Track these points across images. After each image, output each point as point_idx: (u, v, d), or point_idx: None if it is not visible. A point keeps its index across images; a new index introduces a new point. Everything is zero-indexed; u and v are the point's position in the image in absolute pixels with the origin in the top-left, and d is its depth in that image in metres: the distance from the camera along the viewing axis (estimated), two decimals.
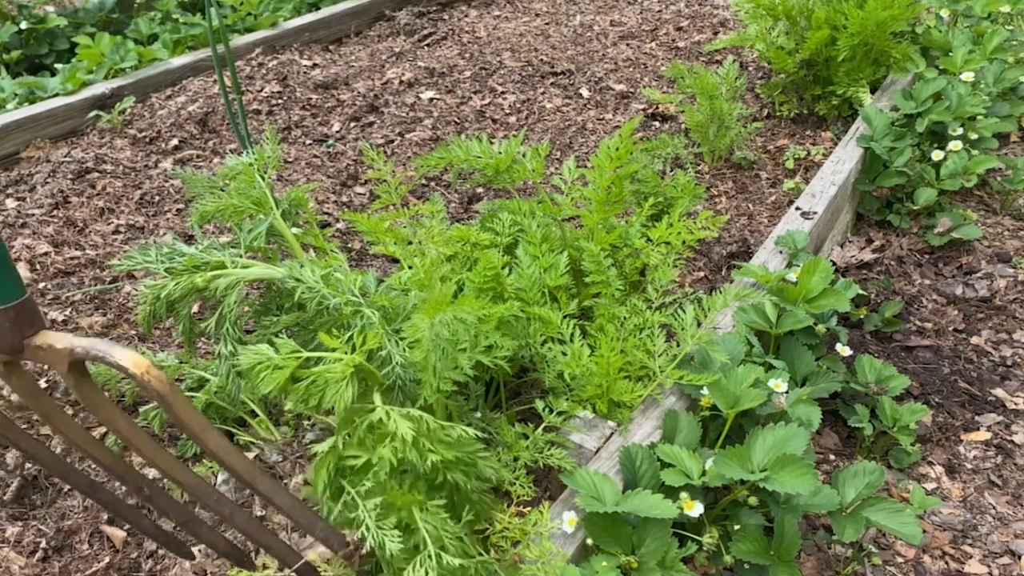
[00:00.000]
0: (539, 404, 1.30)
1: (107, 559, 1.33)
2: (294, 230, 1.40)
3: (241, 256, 1.21)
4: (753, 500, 1.25)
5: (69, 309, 1.83)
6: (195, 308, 1.80)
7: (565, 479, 1.17)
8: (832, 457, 1.61)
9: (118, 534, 1.36)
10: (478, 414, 1.33)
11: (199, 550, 1.31)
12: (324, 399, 0.96)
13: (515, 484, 1.22)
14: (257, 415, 1.50)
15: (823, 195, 2.04)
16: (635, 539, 1.13)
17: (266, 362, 0.98)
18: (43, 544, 1.34)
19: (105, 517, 1.40)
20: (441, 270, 1.23)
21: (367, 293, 1.15)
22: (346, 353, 1.00)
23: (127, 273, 1.96)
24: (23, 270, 1.94)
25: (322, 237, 1.49)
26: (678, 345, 1.39)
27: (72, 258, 2.01)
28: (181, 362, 1.57)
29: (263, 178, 1.38)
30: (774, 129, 2.71)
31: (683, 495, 1.17)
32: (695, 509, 1.16)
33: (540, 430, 1.27)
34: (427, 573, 0.96)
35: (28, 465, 1.46)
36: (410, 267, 1.31)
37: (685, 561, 1.16)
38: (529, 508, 1.17)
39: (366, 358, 1.05)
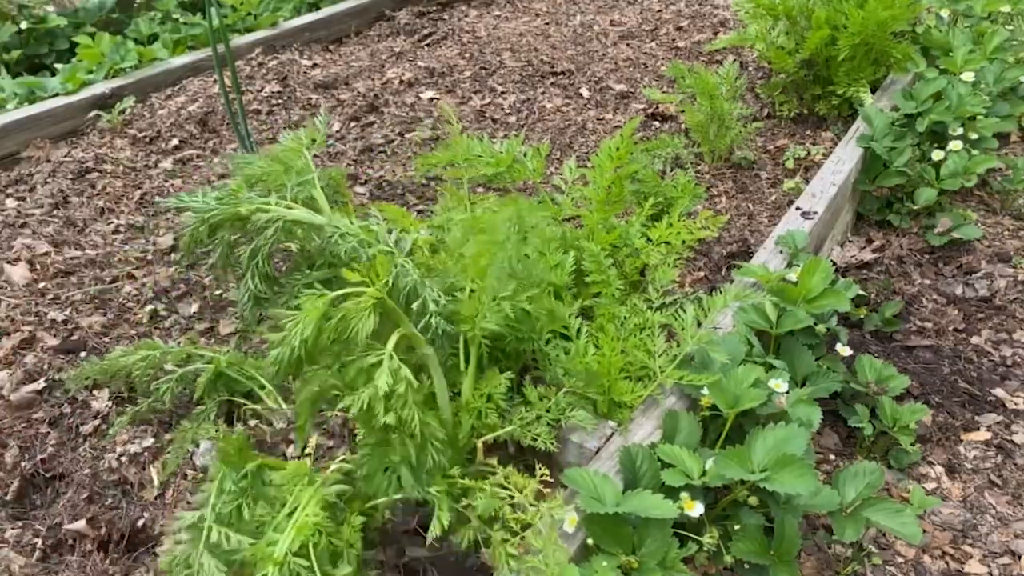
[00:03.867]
0: (559, 370, 1.32)
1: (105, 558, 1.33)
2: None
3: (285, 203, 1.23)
4: (753, 500, 1.25)
5: (69, 309, 1.83)
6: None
7: (566, 480, 1.17)
8: (832, 457, 1.61)
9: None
10: (502, 377, 1.33)
11: None
12: (352, 332, 0.99)
13: (537, 440, 1.24)
14: (265, 387, 1.51)
15: (823, 195, 2.04)
16: (635, 539, 1.13)
17: (294, 318, 1.01)
18: (40, 544, 1.34)
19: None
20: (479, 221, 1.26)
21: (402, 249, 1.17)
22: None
23: (127, 273, 1.96)
24: (23, 270, 1.94)
25: (355, 214, 1.51)
26: (678, 345, 1.39)
27: (72, 258, 2.01)
28: (188, 356, 1.57)
29: (309, 152, 1.41)
30: (774, 129, 2.71)
31: (683, 495, 1.17)
32: (695, 509, 1.16)
33: (561, 393, 1.30)
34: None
35: (25, 464, 1.46)
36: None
37: (685, 561, 1.16)
38: (549, 490, 1.18)
39: (404, 303, 1.05)
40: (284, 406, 1.48)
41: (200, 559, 0.97)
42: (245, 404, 1.51)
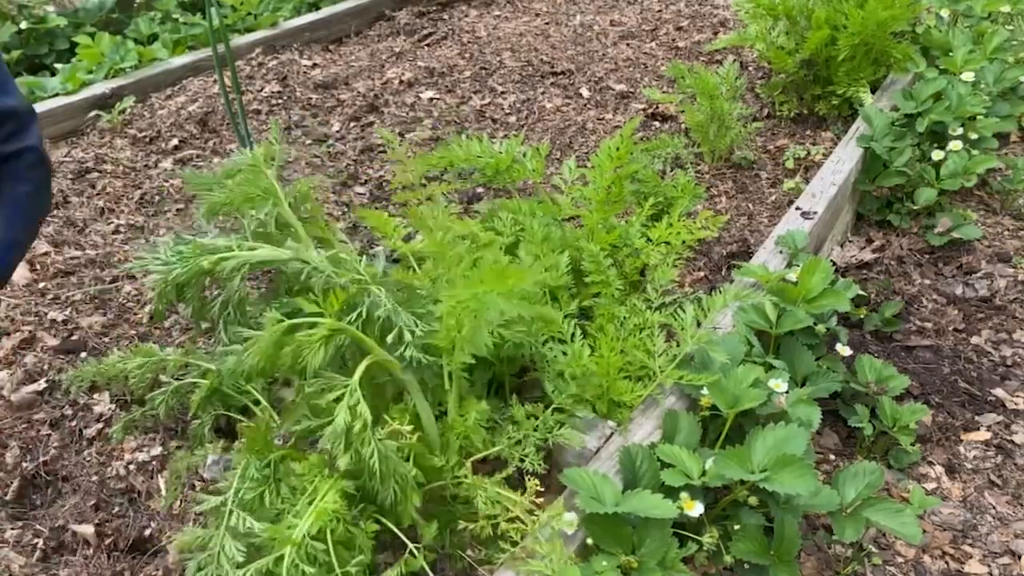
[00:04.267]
0: (548, 386, 1.31)
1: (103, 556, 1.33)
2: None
3: (247, 241, 1.22)
4: (753, 500, 1.25)
5: (69, 309, 1.84)
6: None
7: (565, 480, 1.17)
8: (832, 457, 1.61)
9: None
10: (484, 404, 1.33)
11: None
12: (305, 362, 1.01)
13: (524, 460, 1.22)
14: (260, 402, 1.50)
15: (823, 195, 2.04)
16: (635, 539, 1.13)
17: (253, 339, 1.02)
18: (40, 544, 1.34)
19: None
20: (454, 248, 1.25)
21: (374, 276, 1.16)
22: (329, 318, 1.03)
23: (127, 273, 1.96)
24: (23, 270, 1.94)
25: (327, 228, 1.49)
26: (678, 345, 1.39)
27: (72, 258, 2.01)
28: (186, 365, 1.57)
29: (269, 170, 1.40)
30: (774, 129, 2.71)
31: (683, 495, 1.17)
32: (695, 509, 1.16)
33: (549, 411, 1.28)
34: None
35: (26, 465, 1.46)
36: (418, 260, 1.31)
37: (685, 561, 1.16)
38: (542, 499, 1.18)
39: (379, 334, 1.06)
40: (278, 422, 1.48)
41: (222, 541, 0.98)
42: (240, 420, 1.51)
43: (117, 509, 1.41)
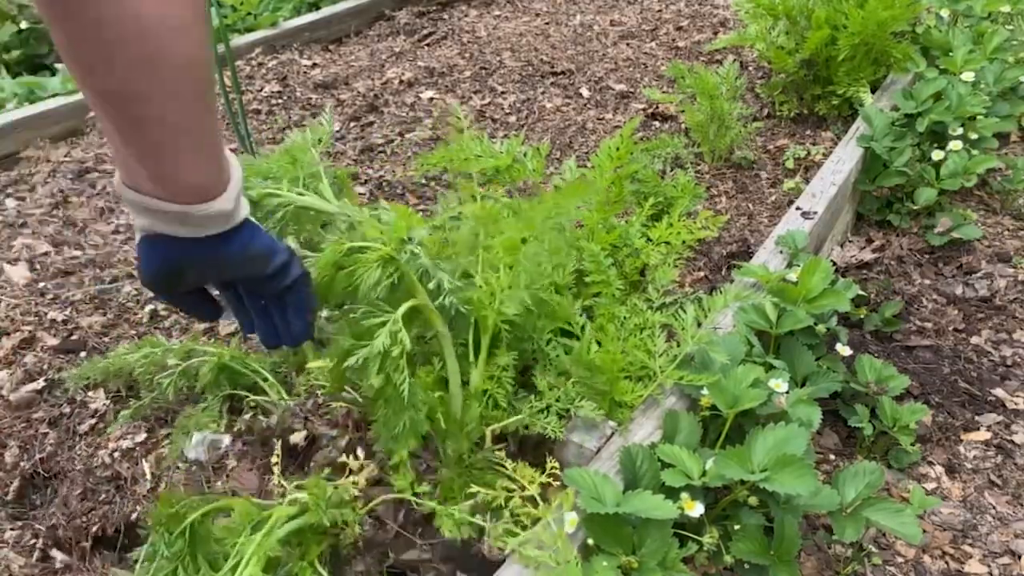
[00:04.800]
0: (565, 360, 1.32)
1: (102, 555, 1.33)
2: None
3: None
4: (753, 500, 1.25)
5: (69, 309, 1.84)
6: None
7: (567, 480, 1.17)
8: (832, 457, 1.61)
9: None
10: (509, 358, 1.33)
11: None
12: (358, 280, 1.01)
13: (547, 428, 1.24)
14: (268, 379, 1.51)
15: (823, 195, 2.04)
16: (635, 539, 1.13)
17: (313, 258, 1.03)
18: (39, 544, 1.34)
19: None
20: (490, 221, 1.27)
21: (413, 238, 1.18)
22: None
23: (127, 273, 1.96)
24: (23, 270, 1.94)
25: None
26: (679, 345, 1.39)
27: (72, 258, 2.01)
28: (189, 352, 1.57)
29: (316, 150, 1.43)
30: (774, 129, 2.71)
31: (683, 495, 1.17)
32: (695, 509, 1.16)
33: (570, 383, 1.29)
34: None
35: (24, 464, 1.46)
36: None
37: (685, 561, 1.16)
38: (557, 483, 1.19)
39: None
40: (287, 398, 1.48)
41: None
42: (247, 396, 1.51)
43: (103, 496, 1.42)
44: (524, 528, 1.12)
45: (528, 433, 1.29)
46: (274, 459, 1.18)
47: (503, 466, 1.19)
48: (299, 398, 1.48)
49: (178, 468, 1.44)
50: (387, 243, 1.05)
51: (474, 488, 1.16)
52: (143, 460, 1.47)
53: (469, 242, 1.26)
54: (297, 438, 1.34)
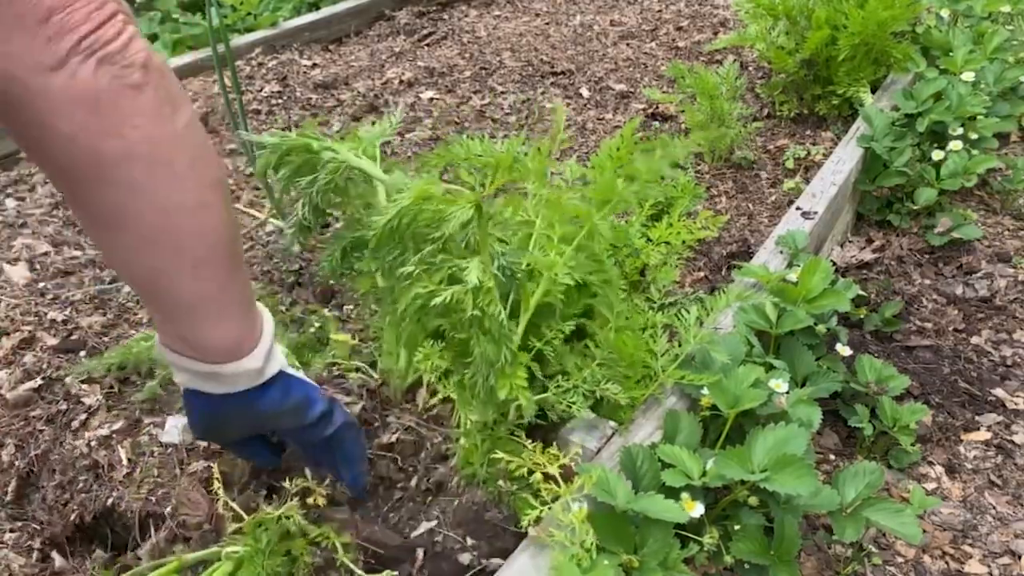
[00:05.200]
0: (591, 343, 1.31)
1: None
2: None
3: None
4: (753, 500, 1.25)
5: (69, 309, 1.83)
6: None
7: (582, 471, 1.18)
8: (832, 457, 1.61)
9: None
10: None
11: None
12: (449, 215, 1.03)
13: (572, 407, 1.24)
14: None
15: (823, 195, 2.04)
16: (637, 539, 1.13)
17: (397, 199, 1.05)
18: (37, 544, 1.34)
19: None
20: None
21: None
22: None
23: None
24: (23, 270, 1.94)
25: None
26: (680, 345, 1.39)
27: (72, 258, 2.01)
28: None
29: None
30: (774, 129, 2.71)
31: (684, 496, 1.17)
32: (696, 510, 1.17)
33: (595, 364, 1.28)
34: None
35: (19, 464, 1.46)
36: None
37: (686, 561, 1.16)
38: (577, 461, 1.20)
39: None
40: (299, 365, 1.47)
41: None
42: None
43: (81, 486, 1.41)
44: (544, 504, 1.12)
45: (538, 423, 1.30)
46: (216, 484, 1.15)
47: (523, 444, 1.19)
48: (316, 369, 1.47)
49: (153, 454, 1.44)
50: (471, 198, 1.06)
51: (499, 454, 1.16)
52: (119, 446, 1.46)
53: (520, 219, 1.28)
54: None
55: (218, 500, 1.16)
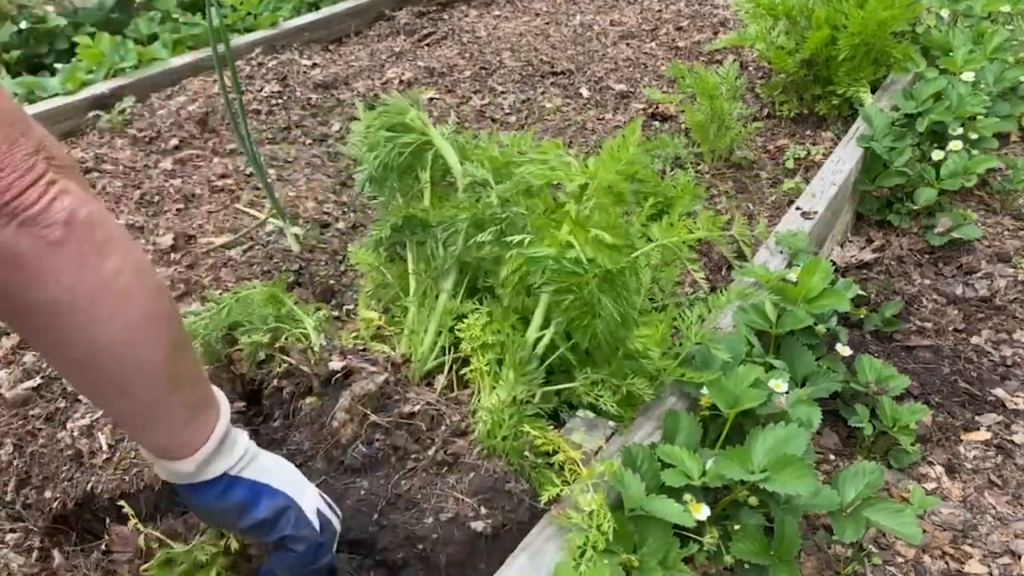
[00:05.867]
0: (620, 332, 1.32)
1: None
2: None
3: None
4: (753, 500, 1.25)
5: None
6: None
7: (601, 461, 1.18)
8: (832, 457, 1.61)
9: None
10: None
11: None
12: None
13: (600, 400, 1.26)
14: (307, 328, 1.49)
15: (823, 195, 2.04)
16: (636, 538, 1.13)
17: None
18: (36, 544, 1.34)
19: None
20: None
21: None
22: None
23: None
24: None
25: None
26: (680, 344, 1.39)
27: None
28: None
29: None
30: (774, 129, 2.70)
31: (688, 497, 1.18)
32: (701, 513, 1.17)
33: (621, 355, 1.30)
34: None
35: (18, 463, 1.46)
36: None
37: (685, 561, 1.16)
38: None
39: None
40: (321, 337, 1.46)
41: None
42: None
43: (64, 474, 1.42)
44: (566, 483, 1.13)
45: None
46: (132, 520, 1.14)
47: (546, 428, 1.21)
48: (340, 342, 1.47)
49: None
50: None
51: (526, 428, 1.17)
52: (99, 433, 1.46)
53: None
54: (336, 365, 1.31)
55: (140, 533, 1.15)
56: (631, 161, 1.23)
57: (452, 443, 1.22)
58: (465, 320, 1.28)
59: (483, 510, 1.15)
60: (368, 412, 1.22)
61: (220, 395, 0.95)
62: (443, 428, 1.24)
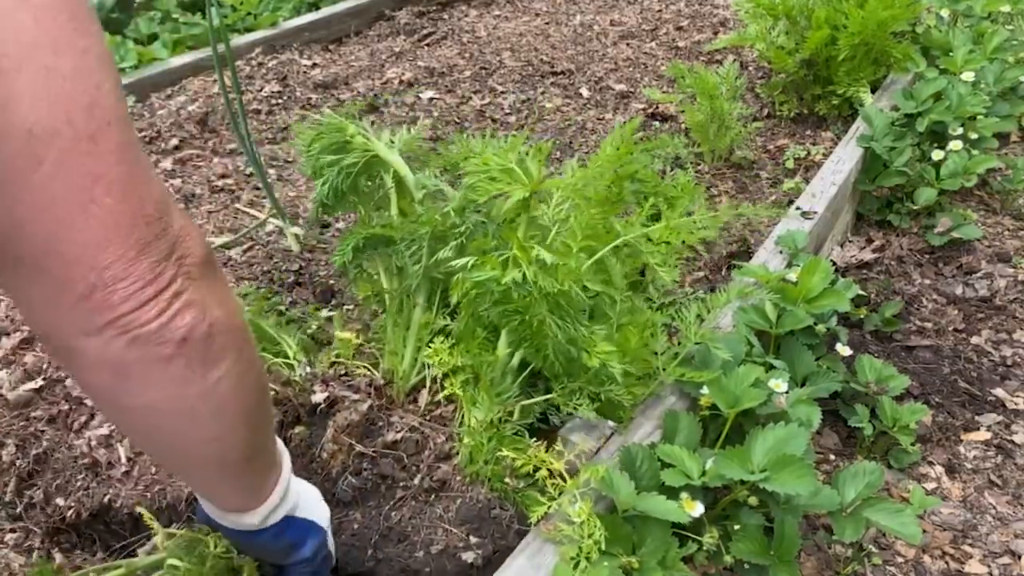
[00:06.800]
0: (599, 335, 1.31)
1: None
2: None
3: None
4: (753, 500, 1.25)
5: None
6: None
7: (587, 467, 1.18)
8: (832, 457, 1.61)
9: None
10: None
11: None
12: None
13: (578, 408, 1.25)
14: (289, 347, 1.51)
15: (823, 195, 2.04)
16: (635, 539, 1.13)
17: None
18: (37, 544, 1.34)
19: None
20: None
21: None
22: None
23: None
24: None
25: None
26: (680, 344, 1.39)
27: None
28: None
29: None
30: (774, 129, 2.70)
31: (683, 495, 1.17)
32: (696, 510, 1.17)
33: (599, 363, 1.27)
34: None
35: (20, 464, 1.46)
36: None
37: (685, 561, 1.16)
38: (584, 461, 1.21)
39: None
40: (302, 359, 1.46)
41: None
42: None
43: (80, 483, 1.41)
44: (551, 499, 1.13)
45: (540, 426, 1.30)
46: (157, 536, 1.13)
47: (527, 444, 1.20)
48: (321, 366, 1.47)
49: None
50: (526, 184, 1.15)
51: (504, 452, 1.17)
52: (119, 445, 1.46)
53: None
54: (318, 398, 1.32)
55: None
56: (623, 160, 1.22)
57: (437, 468, 1.23)
58: (431, 345, 1.23)
59: (472, 539, 1.16)
60: (353, 442, 1.23)
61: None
62: (427, 453, 1.25)
